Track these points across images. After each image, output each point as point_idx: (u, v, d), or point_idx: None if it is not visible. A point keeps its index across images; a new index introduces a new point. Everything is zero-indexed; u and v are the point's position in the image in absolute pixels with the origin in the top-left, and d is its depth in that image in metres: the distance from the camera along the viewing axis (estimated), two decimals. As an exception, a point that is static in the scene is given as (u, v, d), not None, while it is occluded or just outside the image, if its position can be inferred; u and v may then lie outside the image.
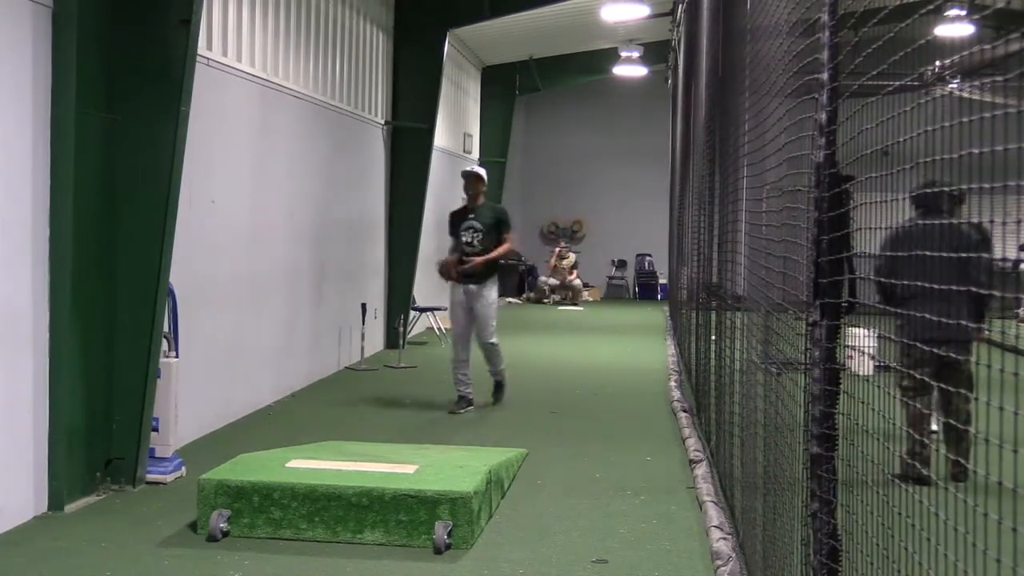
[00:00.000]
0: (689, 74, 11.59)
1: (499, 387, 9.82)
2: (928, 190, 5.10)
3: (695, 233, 10.20)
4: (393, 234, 13.92)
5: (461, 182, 9.74)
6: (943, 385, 6.12)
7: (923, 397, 6.36)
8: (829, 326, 2.94)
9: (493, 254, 9.32)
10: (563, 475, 7.15)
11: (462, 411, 9.32)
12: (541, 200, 25.01)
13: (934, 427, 6.78)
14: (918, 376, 5.02)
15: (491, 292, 9.38)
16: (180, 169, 6.48)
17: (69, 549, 5.37)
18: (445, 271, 9.50)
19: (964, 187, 1.94)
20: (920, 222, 6.14)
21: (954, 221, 6.16)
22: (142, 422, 6.39)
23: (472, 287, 9.29)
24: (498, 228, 9.41)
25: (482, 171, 9.75)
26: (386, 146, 13.81)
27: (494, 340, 9.48)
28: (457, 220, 9.51)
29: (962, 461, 4.90)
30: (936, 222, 5.60)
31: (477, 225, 9.33)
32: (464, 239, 9.34)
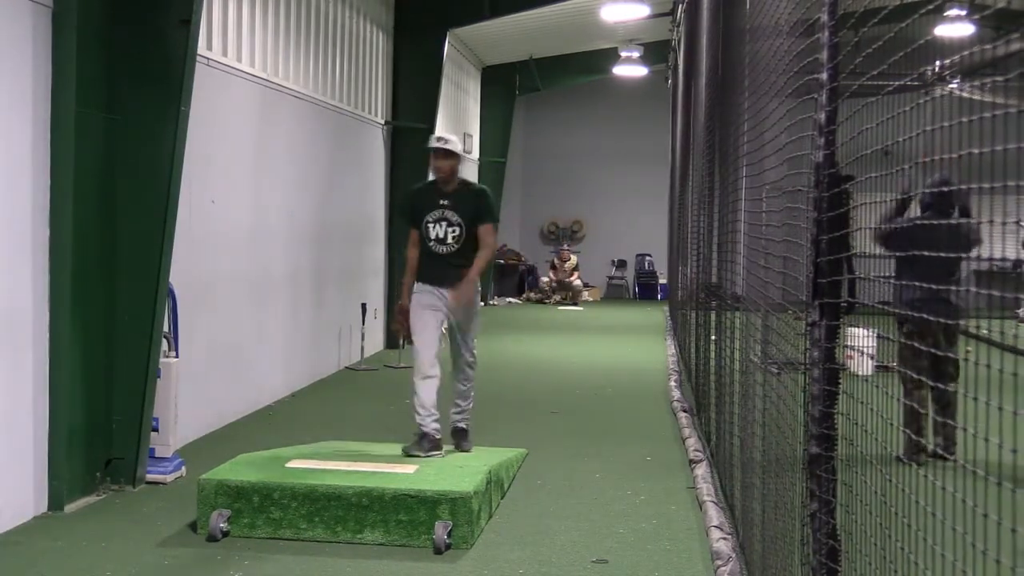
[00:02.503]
0: (689, 74, 11.59)
1: (464, 433, 7.04)
2: (938, 190, 5.16)
3: (695, 233, 10.21)
4: (393, 234, 13.92)
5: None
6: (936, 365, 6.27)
7: (921, 390, 6.47)
8: (828, 326, 2.94)
9: (477, 266, 6.83)
10: (563, 475, 7.15)
11: (425, 454, 6.53)
12: (541, 200, 25.02)
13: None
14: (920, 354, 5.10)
15: (477, 293, 7.04)
16: (180, 169, 6.49)
17: (69, 549, 5.37)
18: (402, 326, 7.02)
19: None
20: (924, 219, 6.21)
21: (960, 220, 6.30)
22: (142, 422, 6.39)
23: (448, 291, 6.80)
24: (479, 220, 6.87)
25: (455, 144, 6.98)
26: (386, 146, 13.80)
27: (475, 353, 7.09)
28: (421, 205, 6.90)
29: (941, 452, 4.97)
30: (941, 221, 5.68)
31: (453, 217, 6.81)
32: (434, 234, 6.82)
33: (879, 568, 2.53)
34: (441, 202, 6.82)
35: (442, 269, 6.83)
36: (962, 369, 6.47)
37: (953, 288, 4.94)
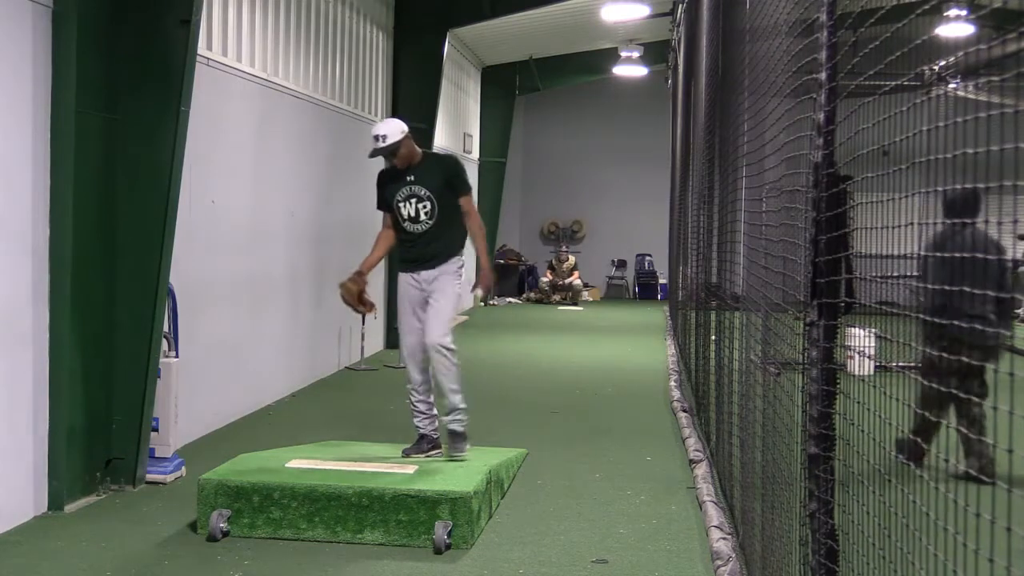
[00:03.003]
0: (689, 74, 11.59)
1: (456, 437, 6.52)
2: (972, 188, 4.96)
3: (695, 233, 10.21)
4: (393, 234, 13.90)
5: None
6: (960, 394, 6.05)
7: (942, 409, 6.19)
8: (827, 326, 2.95)
9: (482, 249, 6.63)
10: (563, 475, 7.15)
11: (425, 456, 6.48)
12: (541, 200, 25.01)
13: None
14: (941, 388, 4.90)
15: (452, 277, 6.51)
16: (180, 169, 6.49)
17: (69, 549, 5.37)
18: (350, 299, 6.73)
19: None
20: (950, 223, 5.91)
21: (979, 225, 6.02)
22: (142, 422, 6.39)
23: (425, 273, 6.47)
24: (453, 191, 6.50)
25: (391, 135, 6.40)
26: (386, 146, 13.79)
27: (446, 342, 6.37)
28: (390, 186, 6.56)
29: (978, 475, 4.62)
30: (965, 226, 5.49)
31: (421, 192, 6.43)
32: (406, 213, 6.48)
33: (877, 568, 2.53)
34: (407, 178, 6.46)
35: (420, 249, 6.50)
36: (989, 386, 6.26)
37: (995, 296, 4.71)
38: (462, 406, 6.50)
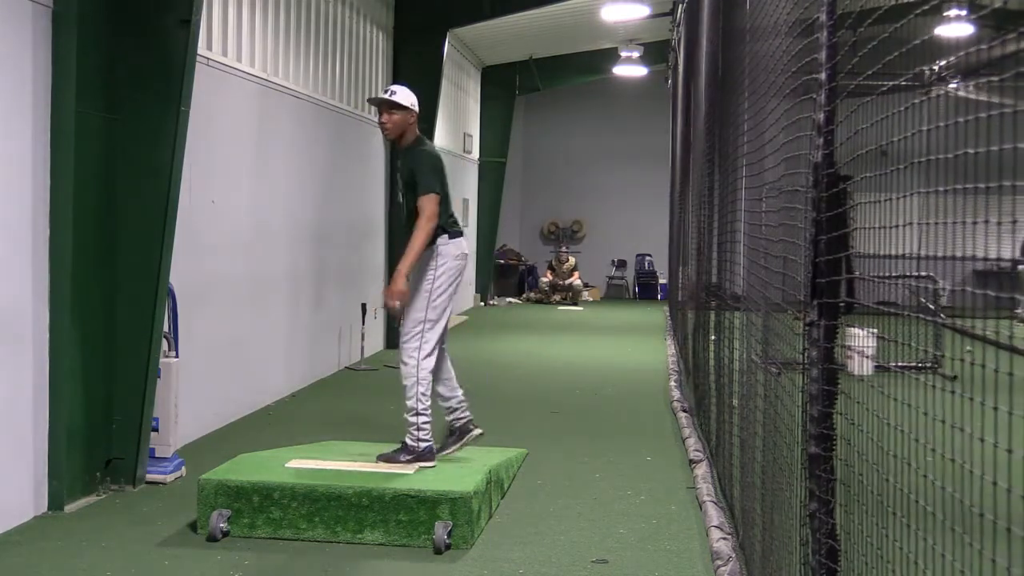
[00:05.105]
0: (689, 74, 11.59)
1: (401, 445, 6.24)
2: None
3: (695, 233, 10.20)
4: (393, 234, 13.92)
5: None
6: None
7: None
8: (827, 326, 2.95)
9: (406, 255, 6.06)
10: (563, 475, 7.15)
11: (474, 436, 6.54)
12: (541, 200, 25.03)
13: None
14: None
15: (425, 273, 6.16)
16: (180, 169, 6.49)
17: (69, 549, 5.37)
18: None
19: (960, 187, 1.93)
20: None
21: None
22: (142, 422, 6.39)
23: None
24: (415, 187, 6.13)
25: (400, 95, 6.25)
26: (386, 146, 13.80)
27: (407, 351, 6.14)
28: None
29: None
30: None
31: (400, 180, 6.36)
32: (399, 200, 6.43)
33: (878, 568, 2.53)
34: (398, 162, 6.21)
35: (405, 237, 6.22)
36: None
37: None
38: (411, 419, 6.18)
